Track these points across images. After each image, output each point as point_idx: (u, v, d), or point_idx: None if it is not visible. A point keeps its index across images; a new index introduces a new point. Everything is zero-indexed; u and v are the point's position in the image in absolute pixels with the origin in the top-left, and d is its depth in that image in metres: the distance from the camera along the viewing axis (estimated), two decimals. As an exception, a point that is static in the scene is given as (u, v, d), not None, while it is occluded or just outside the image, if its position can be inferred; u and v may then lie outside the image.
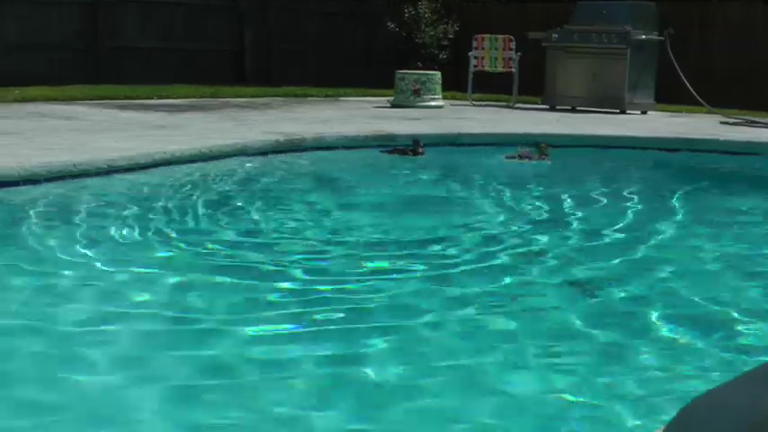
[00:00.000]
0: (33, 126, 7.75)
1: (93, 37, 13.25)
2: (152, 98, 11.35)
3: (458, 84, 13.31)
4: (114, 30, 13.42)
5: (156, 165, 6.18)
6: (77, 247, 4.05)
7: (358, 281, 3.58)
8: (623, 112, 11.63)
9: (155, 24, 13.91)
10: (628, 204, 5.91)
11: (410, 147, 7.65)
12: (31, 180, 5.33)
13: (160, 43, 13.84)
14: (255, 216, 5.08)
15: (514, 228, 4.90)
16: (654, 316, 3.29)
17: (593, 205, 5.79)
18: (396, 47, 14.42)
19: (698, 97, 11.51)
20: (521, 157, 7.54)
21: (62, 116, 8.79)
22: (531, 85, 12.54)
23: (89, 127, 7.86)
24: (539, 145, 7.64)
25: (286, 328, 3.04)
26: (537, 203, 5.70)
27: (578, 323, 3.17)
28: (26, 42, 12.51)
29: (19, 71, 11.70)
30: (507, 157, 7.53)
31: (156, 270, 3.77)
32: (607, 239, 4.66)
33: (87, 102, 10.56)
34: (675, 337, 3.07)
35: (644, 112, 11.77)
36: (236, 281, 3.59)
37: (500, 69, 12.75)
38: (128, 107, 10.10)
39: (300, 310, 3.24)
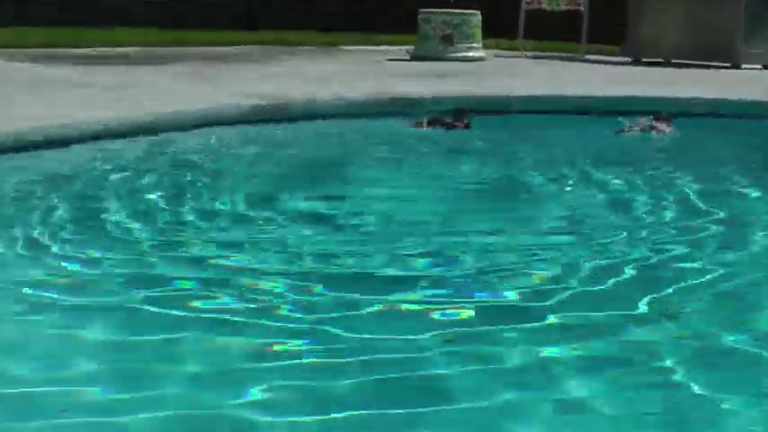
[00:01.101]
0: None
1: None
2: (92, 46, 10.74)
3: (503, 27, 13.05)
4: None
5: (83, 139, 5.64)
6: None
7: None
8: (737, 66, 10.96)
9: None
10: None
11: (454, 116, 6.90)
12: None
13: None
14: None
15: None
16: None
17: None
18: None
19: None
20: (631, 129, 6.88)
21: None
22: (605, 29, 12.23)
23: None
24: (656, 113, 7.02)
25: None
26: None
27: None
28: None
29: None
30: (617, 132, 6.88)
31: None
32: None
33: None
34: None
35: (766, 67, 11.11)
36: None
37: (563, 8, 12.49)
38: (53, 58, 9.18)
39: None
